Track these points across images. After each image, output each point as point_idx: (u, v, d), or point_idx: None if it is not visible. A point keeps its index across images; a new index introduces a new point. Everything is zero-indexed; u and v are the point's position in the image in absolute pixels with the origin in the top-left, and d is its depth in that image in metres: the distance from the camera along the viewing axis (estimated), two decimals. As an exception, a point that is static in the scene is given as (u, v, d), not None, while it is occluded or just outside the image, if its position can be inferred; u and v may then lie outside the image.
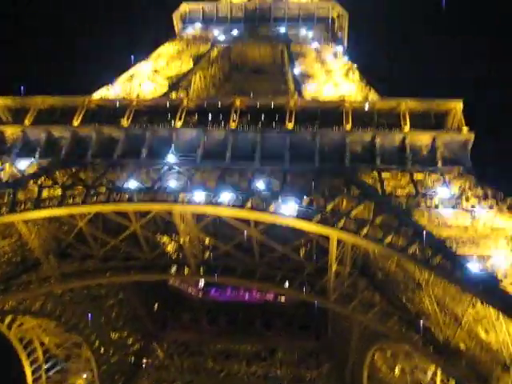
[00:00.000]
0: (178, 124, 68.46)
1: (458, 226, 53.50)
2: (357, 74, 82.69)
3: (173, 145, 66.07)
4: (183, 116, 69.26)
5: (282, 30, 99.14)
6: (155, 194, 61.00)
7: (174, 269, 71.85)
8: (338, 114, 67.51)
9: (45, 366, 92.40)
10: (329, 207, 57.12)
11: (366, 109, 68.28)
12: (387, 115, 67.04)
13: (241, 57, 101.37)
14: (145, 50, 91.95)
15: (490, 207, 54.50)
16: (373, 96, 75.26)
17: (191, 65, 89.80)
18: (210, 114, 69.88)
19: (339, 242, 58.74)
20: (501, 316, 44.53)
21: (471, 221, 53.44)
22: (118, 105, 72.04)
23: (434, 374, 70.09)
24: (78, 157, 66.23)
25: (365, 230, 53.81)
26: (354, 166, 62.31)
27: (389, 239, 52.24)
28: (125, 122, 68.84)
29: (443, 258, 49.01)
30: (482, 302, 46.65)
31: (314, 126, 66.98)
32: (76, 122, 69.30)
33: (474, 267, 47.48)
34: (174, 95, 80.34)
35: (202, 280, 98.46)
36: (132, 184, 61.26)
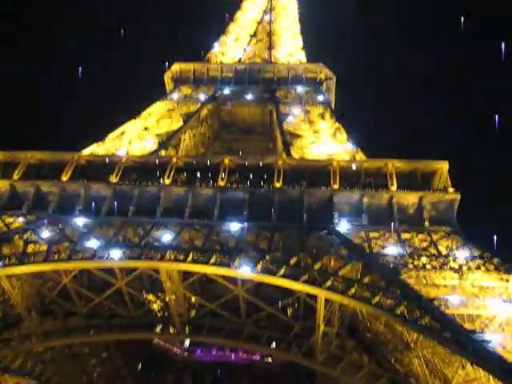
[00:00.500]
0: (167, 182, 68.88)
1: (445, 285, 53.30)
2: (344, 134, 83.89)
3: (161, 203, 66.21)
4: (172, 174, 69.77)
5: (271, 90, 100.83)
6: (142, 251, 60.63)
7: (159, 328, 70.73)
8: (326, 174, 68.27)
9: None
10: (316, 266, 56.99)
11: (354, 168, 69.09)
12: (374, 175, 67.86)
13: (230, 116, 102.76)
14: (136, 108, 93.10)
15: (478, 267, 54.57)
16: (360, 156, 76.25)
17: (181, 123, 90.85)
18: (198, 173, 70.43)
19: (327, 301, 58.18)
20: (491, 378, 43.91)
21: (459, 281, 53.33)
22: (107, 161, 72.47)
23: None
24: (65, 213, 65.98)
25: (352, 290, 53.50)
26: (341, 225, 62.47)
27: (377, 299, 51.87)
28: (113, 179, 69.09)
29: (432, 318, 48.58)
30: (472, 364, 46.06)
31: (301, 185, 67.65)
32: (65, 178, 69.52)
33: (462, 328, 47.07)
34: (163, 153, 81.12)
35: (188, 339, 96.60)
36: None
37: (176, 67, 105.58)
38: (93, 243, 61.42)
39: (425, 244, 59.21)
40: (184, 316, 69.56)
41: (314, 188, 67.07)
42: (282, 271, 56.22)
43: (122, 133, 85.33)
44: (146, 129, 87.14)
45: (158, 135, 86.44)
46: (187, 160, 74.07)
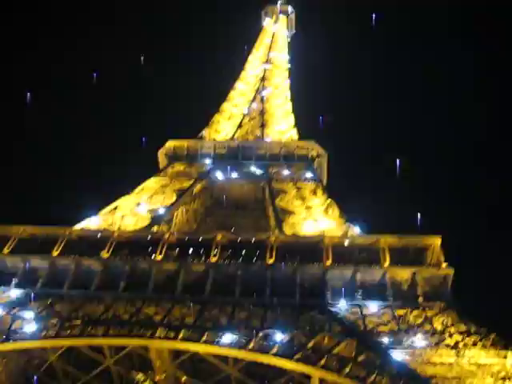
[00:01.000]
0: (159, 257, 68.58)
1: (442, 363, 52.30)
2: (336, 210, 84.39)
3: (152, 279, 65.63)
4: (164, 250, 69.55)
5: (264, 167, 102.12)
6: (131, 328, 59.45)
7: (147, 409, 68.29)
8: (319, 250, 68.26)
9: None
10: (310, 344, 55.89)
11: (346, 244, 69.15)
12: (367, 251, 67.94)
13: (223, 192, 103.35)
14: (130, 184, 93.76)
15: (474, 344, 53.76)
16: (352, 232, 76.37)
17: (174, 199, 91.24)
18: (191, 248, 70.31)
19: (321, 380, 56.72)
20: None
21: (456, 358, 52.38)
22: (99, 236, 72.28)
23: None
24: (54, 288, 65.09)
25: (347, 369, 52.35)
26: (335, 302, 61.94)
27: (372, 378, 50.75)
28: (105, 254, 68.72)
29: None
30: None
31: (294, 261, 67.41)
32: (55, 253, 69.07)
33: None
34: (155, 228, 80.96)
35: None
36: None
37: (170, 144, 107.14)
38: (81, 319, 60.28)
39: (419, 320, 58.48)
40: (174, 396, 67.43)
41: (307, 264, 66.90)
42: (274, 349, 55.16)
43: (115, 208, 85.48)
44: (138, 204, 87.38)
45: (150, 211, 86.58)
46: (179, 236, 74.08)
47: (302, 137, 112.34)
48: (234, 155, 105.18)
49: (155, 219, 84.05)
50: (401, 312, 59.85)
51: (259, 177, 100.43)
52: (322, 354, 54.57)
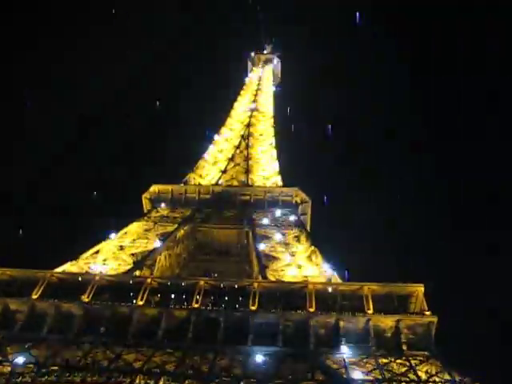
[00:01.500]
0: (140, 302, 67.64)
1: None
2: (320, 257, 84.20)
3: (133, 324, 64.65)
4: (146, 294, 68.65)
5: (248, 212, 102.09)
6: (110, 376, 58.05)
7: None
8: (302, 296, 67.75)
9: None
10: (293, 393, 54.95)
11: (330, 291, 68.83)
12: (350, 298, 67.62)
13: (206, 238, 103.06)
14: (112, 229, 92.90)
15: (458, 393, 53.24)
16: (336, 279, 76.08)
17: (157, 243, 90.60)
18: (172, 294, 69.53)
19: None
20: None
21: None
22: (80, 279, 71.30)
23: None
24: (33, 332, 63.71)
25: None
26: (318, 350, 61.24)
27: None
28: (85, 298, 67.60)
29: None
30: None
31: (277, 307, 66.83)
32: (35, 296, 67.78)
33: None
34: (138, 273, 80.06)
35: None
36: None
37: (154, 188, 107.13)
38: (59, 365, 58.86)
39: (403, 369, 57.97)
40: None
41: (290, 311, 66.35)
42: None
43: (97, 251, 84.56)
44: (121, 248, 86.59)
45: (133, 255, 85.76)
46: (162, 281, 73.36)
47: (285, 184, 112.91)
48: (218, 200, 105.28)
49: (137, 263, 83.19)
50: (385, 360, 59.32)
51: (243, 222, 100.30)
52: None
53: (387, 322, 63.76)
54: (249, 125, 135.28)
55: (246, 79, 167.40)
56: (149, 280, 71.64)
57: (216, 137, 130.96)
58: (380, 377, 56.39)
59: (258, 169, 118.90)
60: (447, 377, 56.07)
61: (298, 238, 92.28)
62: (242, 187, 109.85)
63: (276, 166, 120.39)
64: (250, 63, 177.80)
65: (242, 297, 69.02)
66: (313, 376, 57.83)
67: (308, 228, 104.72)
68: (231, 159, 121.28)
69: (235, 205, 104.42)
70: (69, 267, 78.71)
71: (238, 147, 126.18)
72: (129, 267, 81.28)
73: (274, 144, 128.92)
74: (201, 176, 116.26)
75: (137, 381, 57.43)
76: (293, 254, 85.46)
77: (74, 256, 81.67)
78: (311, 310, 65.66)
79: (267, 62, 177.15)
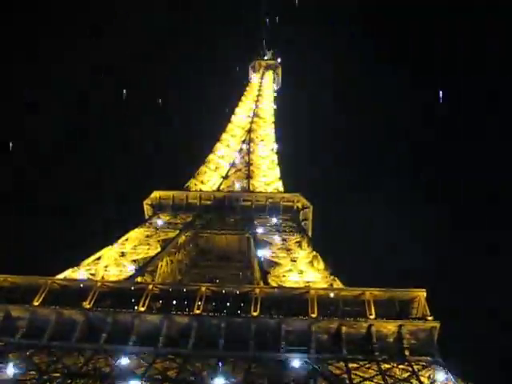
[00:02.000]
0: (142, 309, 67.47)
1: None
2: (321, 262, 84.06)
3: (134, 331, 64.50)
4: (147, 301, 68.50)
5: (249, 218, 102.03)
6: (112, 382, 57.90)
7: None
8: (304, 302, 67.54)
9: None
10: (295, 400, 54.80)
11: (332, 296, 68.66)
12: (352, 303, 67.41)
13: (208, 243, 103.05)
14: (114, 235, 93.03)
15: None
16: (338, 284, 75.95)
17: (159, 250, 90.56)
18: (174, 300, 69.43)
19: None
20: None
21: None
22: (81, 286, 71.23)
23: None
24: (34, 339, 63.56)
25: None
26: (320, 355, 61.00)
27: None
28: (87, 305, 67.48)
29: None
30: None
31: (279, 313, 66.65)
32: (36, 303, 67.69)
33: None
34: (139, 279, 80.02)
35: None
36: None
37: (156, 195, 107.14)
38: (60, 372, 58.76)
39: (406, 374, 57.75)
40: None
41: (292, 317, 66.06)
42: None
43: (98, 258, 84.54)
44: (122, 254, 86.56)
45: (134, 261, 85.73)
46: (163, 287, 73.22)
47: (287, 189, 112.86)
48: (219, 206, 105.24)
49: (139, 270, 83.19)
50: (387, 366, 59.07)
51: (244, 228, 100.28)
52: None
53: (389, 327, 63.52)
54: (250, 130, 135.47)
55: (248, 86, 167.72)
56: (150, 286, 71.48)
57: (217, 143, 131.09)
58: (382, 382, 56.19)
59: (259, 174, 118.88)
60: (450, 382, 55.85)
61: (299, 244, 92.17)
62: (243, 193, 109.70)
63: (277, 171, 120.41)
64: (250, 69, 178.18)
65: (243, 303, 68.87)
66: (315, 381, 57.64)
67: (309, 233, 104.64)
68: (232, 165, 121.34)
69: (236, 211, 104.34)
70: (70, 274, 78.75)
71: (239, 153, 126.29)
72: (130, 273, 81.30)
73: (275, 149, 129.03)
74: (202, 182, 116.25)
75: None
76: (294, 260, 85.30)
77: (75, 262, 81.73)
78: (313, 315, 65.45)
79: (268, 67, 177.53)
